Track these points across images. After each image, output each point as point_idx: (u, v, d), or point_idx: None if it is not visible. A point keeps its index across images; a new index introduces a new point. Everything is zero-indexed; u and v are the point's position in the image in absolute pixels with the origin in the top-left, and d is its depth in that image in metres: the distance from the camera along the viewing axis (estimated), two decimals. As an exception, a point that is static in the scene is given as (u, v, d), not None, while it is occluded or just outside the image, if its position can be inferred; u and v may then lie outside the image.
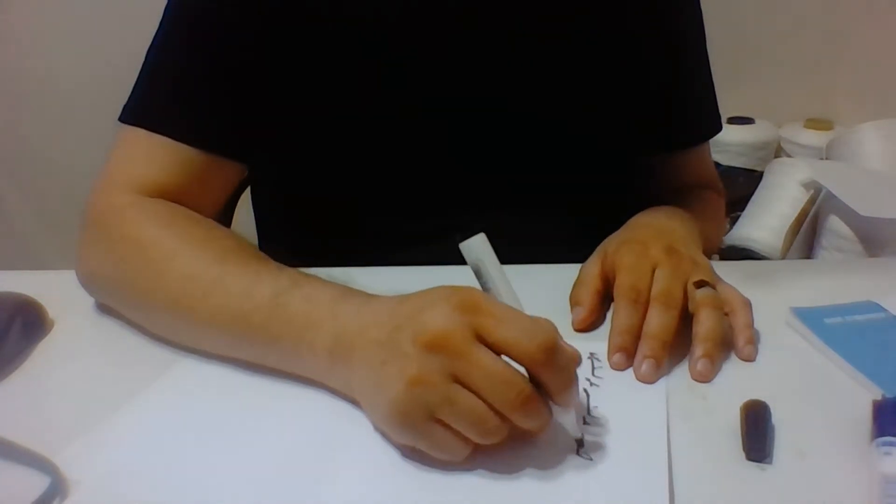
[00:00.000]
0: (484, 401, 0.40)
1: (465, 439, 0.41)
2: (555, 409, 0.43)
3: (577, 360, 0.44)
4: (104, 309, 0.61)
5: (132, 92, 0.65)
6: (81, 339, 0.57)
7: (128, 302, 0.58)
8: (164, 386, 0.52)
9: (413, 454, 0.44)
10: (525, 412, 0.41)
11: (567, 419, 0.44)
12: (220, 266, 0.54)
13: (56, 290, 0.57)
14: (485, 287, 0.44)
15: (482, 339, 0.41)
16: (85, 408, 0.49)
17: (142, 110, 0.64)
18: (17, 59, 1.74)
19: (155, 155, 0.62)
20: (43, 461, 0.43)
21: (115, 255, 0.58)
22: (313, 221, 0.74)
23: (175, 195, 0.62)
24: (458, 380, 0.41)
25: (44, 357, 0.56)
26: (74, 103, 1.72)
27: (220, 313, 0.52)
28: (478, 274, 0.44)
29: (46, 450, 0.44)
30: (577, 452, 0.44)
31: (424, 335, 0.41)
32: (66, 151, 1.71)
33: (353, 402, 0.47)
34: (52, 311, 0.60)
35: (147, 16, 0.67)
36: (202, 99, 0.63)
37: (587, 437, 0.45)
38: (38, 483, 0.41)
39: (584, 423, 0.46)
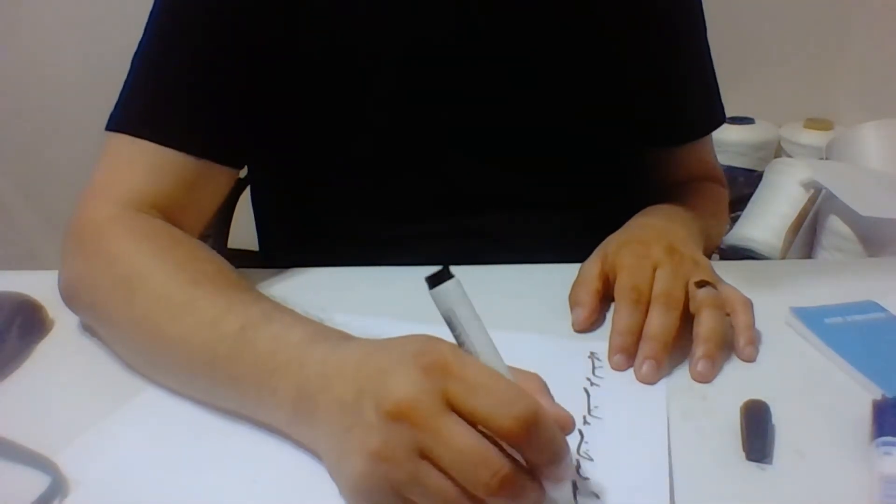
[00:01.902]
0: (455, 481, 0.35)
1: None
2: (545, 483, 0.37)
3: (568, 425, 0.38)
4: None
5: (117, 100, 0.62)
6: (81, 339, 0.57)
7: (98, 321, 0.56)
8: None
9: None
10: (505, 495, 0.35)
11: (561, 494, 0.38)
12: (193, 290, 0.50)
13: (56, 290, 0.57)
14: (458, 340, 0.38)
15: (453, 407, 0.36)
16: (85, 408, 0.49)
17: (125, 117, 0.61)
18: (18, 59, 1.74)
19: (140, 162, 0.59)
20: (43, 461, 0.43)
21: (90, 271, 0.55)
22: (312, 222, 0.74)
23: (162, 204, 0.59)
24: (425, 455, 0.35)
25: (44, 357, 0.56)
26: (75, 103, 1.71)
27: (185, 339, 0.48)
28: (450, 325, 0.38)
29: (46, 450, 0.44)
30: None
31: (387, 403, 0.36)
32: (66, 151, 1.71)
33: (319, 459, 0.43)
34: (52, 311, 0.60)
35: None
36: (187, 102, 0.61)
37: (586, 437, 0.45)
38: (38, 483, 0.41)
39: (577, 489, 0.41)
